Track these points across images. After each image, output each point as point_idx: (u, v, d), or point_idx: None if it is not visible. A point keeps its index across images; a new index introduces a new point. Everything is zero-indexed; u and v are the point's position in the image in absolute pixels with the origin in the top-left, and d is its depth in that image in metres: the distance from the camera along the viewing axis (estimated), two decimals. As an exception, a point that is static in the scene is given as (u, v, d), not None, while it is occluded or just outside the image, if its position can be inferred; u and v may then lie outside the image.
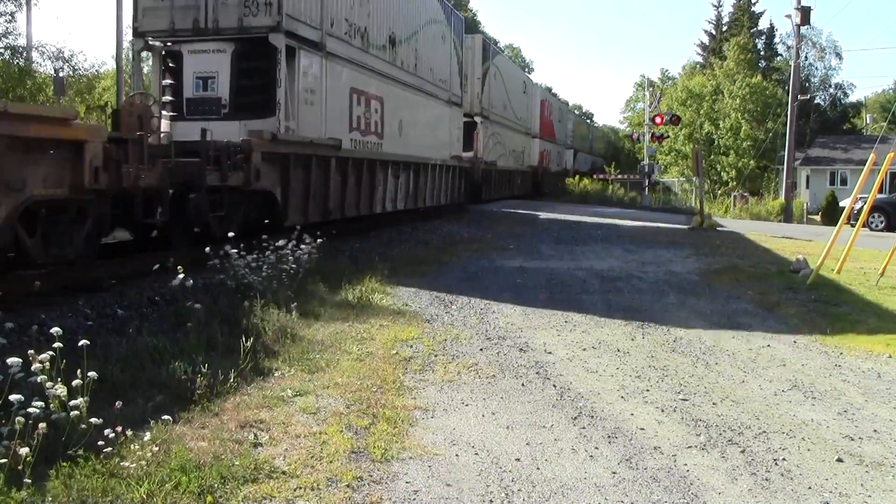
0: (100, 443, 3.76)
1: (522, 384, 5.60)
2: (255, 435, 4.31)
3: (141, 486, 3.49)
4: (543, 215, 23.78)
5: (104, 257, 8.88)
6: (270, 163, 10.93)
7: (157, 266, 7.46)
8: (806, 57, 59.41)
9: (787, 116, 32.99)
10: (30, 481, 3.42)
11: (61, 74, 24.79)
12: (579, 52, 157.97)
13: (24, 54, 23.77)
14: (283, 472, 3.85)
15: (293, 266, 8.72)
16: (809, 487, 3.97)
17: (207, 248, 7.79)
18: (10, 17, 23.95)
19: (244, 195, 10.54)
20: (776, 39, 64.37)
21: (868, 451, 4.51)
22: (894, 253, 11.72)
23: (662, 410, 5.11)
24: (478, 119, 24.81)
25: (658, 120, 36.94)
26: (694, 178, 31.59)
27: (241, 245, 8.16)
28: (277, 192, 11.32)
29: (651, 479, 3.98)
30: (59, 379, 4.12)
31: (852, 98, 69.64)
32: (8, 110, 6.60)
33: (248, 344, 5.88)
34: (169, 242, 9.61)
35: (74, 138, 7.45)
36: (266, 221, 10.14)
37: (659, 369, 6.14)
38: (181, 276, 6.64)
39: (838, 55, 63.32)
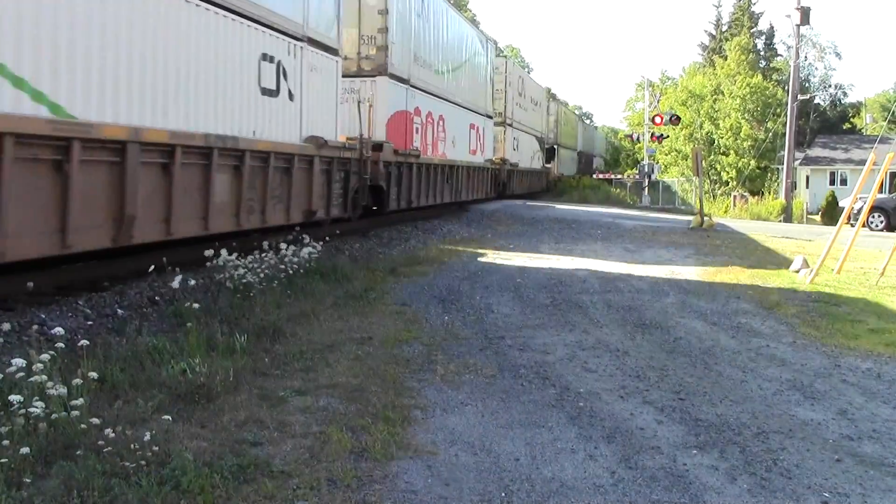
0: (100, 443, 3.76)
1: (522, 384, 5.60)
2: (255, 435, 4.31)
3: (141, 486, 3.49)
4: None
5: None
6: None
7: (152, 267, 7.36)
8: (806, 57, 59.41)
9: (787, 116, 32.98)
10: (30, 481, 3.42)
11: None
12: (579, 52, 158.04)
13: None
14: (283, 472, 3.85)
15: (293, 266, 8.75)
16: (808, 487, 3.97)
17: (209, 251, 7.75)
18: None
19: None
20: (776, 39, 64.46)
21: (867, 450, 4.52)
22: (894, 253, 11.73)
23: (662, 410, 5.11)
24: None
25: (658, 120, 36.97)
26: (694, 178, 31.53)
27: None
28: None
29: (650, 479, 3.99)
30: (60, 379, 4.13)
31: (852, 98, 69.72)
32: None
33: (248, 344, 5.90)
34: None
35: None
36: None
37: (658, 369, 6.14)
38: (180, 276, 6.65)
39: (838, 55, 63.42)
